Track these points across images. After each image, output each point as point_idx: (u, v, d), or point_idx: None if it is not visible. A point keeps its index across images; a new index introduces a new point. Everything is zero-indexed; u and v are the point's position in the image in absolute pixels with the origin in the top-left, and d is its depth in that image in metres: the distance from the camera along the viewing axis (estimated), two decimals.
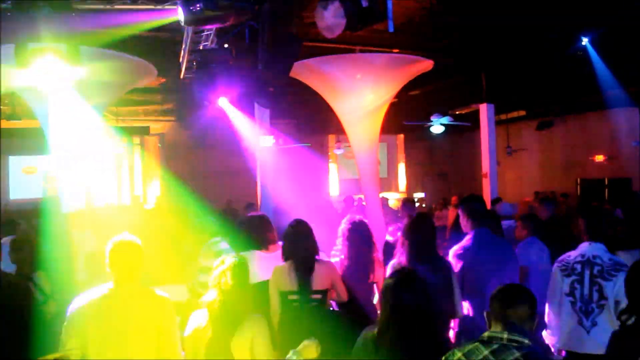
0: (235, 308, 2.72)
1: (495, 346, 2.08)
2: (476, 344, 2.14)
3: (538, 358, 2.09)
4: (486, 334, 2.15)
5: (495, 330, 2.13)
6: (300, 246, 3.70)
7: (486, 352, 2.08)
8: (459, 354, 2.14)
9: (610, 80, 11.57)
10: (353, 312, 3.89)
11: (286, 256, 3.77)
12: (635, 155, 12.96)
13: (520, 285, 2.42)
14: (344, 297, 3.83)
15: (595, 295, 3.25)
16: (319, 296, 3.62)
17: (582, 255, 3.39)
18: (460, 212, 4.05)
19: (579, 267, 3.36)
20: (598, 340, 3.09)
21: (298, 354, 2.63)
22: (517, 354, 2.03)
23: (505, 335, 2.08)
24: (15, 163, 14.60)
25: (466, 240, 3.83)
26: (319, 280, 3.63)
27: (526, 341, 2.08)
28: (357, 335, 2.60)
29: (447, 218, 10.19)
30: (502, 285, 2.29)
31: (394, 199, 17.77)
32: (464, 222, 3.94)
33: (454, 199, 10.71)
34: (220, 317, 2.70)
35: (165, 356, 2.65)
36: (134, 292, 2.70)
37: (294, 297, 3.58)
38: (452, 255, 3.83)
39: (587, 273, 3.30)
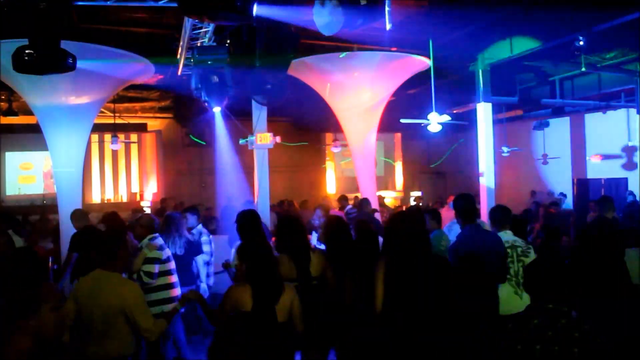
0: (276, 279, 3.36)
1: (542, 315, 2.42)
2: (521, 315, 2.49)
3: (575, 327, 2.39)
4: (550, 305, 2.44)
5: (537, 300, 2.48)
6: (296, 238, 4.01)
7: (536, 321, 2.41)
8: (535, 321, 2.43)
9: (607, 80, 11.64)
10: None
11: (281, 248, 4.03)
12: (631, 156, 13.03)
13: (560, 262, 2.65)
14: (333, 284, 4.14)
15: (521, 270, 4.17)
16: (316, 282, 3.99)
17: (507, 242, 4.28)
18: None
19: (509, 251, 4.27)
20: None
21: None
22: (562, 321, 2.38)
23: (550, 305, 2.43)
24: (12, 159, 14.57)
25: (458, 236, 4.38)
26: (315, 268, 4.00)
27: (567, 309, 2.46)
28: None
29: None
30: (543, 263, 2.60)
31: (391, 197, 17.82)
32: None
33: (450, 198, 10.73)
34: (265, 287, 3.28)
35: (139, 323, 3.26)
36: (108, 275, 3.33)
37: (296, 284, 3.84)
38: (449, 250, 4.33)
39: (515, 254, 4.28)
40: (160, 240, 4.96)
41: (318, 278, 4.03)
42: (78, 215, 6.13)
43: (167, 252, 4.94)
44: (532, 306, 2.49)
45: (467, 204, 4.33)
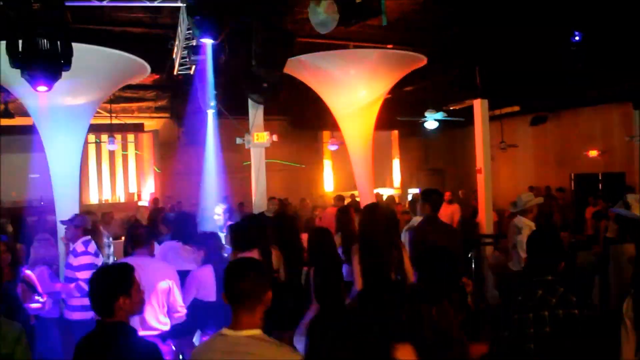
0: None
1: (544, 286, 2.81)
2: (526, 288, 2.86)
3: (571, 293, 2.79)
4: (533, 279, 2.86)
5: (538, 275, 2.85)
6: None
7: (540, 292, 2.80)
8: (520, 297, 2.84)
9: (605, 75, 11.62)
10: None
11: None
12: (628, 150, 13.04)
13: (551, 237, 3.03)
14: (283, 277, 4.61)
15: None
16: (276, 275, 4.46)
17: None
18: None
19: None
20: None
21: None
22: (560, 289, 2.79)
23: (549, 277, 2.83)
24: (8, 161, 14.49)
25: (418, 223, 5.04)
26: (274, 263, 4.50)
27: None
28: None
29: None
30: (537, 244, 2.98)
31: (388, 195, 17.82)
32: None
33: (447, 195, 10.73)
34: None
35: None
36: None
37: None
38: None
39: None
40: (93, 245, 4.94)
41: (276, 271, 4.53)
42: None
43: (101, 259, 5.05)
44: (535, 280, 2.85)
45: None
